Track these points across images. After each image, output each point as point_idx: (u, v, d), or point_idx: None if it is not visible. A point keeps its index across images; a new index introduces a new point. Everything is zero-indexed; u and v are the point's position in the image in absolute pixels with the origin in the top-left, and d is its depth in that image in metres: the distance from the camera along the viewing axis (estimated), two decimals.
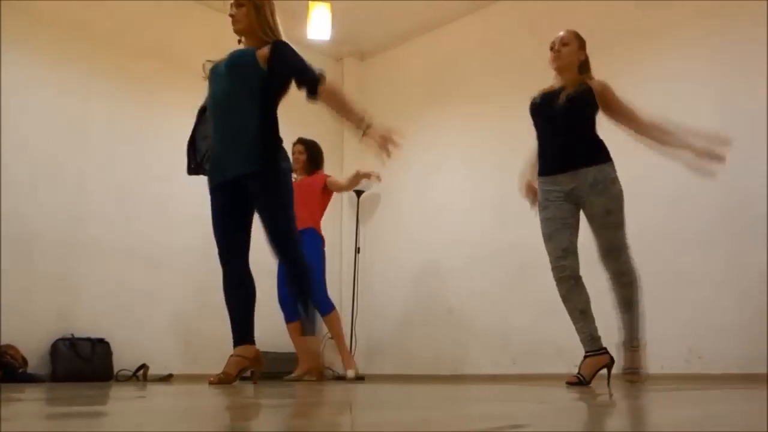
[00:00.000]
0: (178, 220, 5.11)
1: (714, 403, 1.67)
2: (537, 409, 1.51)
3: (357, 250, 6.07)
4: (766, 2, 4.13)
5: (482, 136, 5.61)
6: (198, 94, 5.33)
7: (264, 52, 3.04)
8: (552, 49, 3.32)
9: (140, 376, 4.60)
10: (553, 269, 3.18)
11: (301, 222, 4.51)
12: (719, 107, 4.29)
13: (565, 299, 3.15)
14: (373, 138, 2.87)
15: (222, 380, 2.96)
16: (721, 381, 3.81)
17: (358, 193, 6.08)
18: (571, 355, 4.43)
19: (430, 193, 5.90)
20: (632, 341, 3.17)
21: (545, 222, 3.22)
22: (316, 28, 4.83)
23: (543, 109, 3.29)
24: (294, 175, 4.51)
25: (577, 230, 3.21)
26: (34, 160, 4.50)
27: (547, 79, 5.27)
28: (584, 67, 3.34)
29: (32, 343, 4.26)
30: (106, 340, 4.53)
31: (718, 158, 2.94)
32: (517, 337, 4.96)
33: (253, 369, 3.19)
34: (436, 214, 5.79)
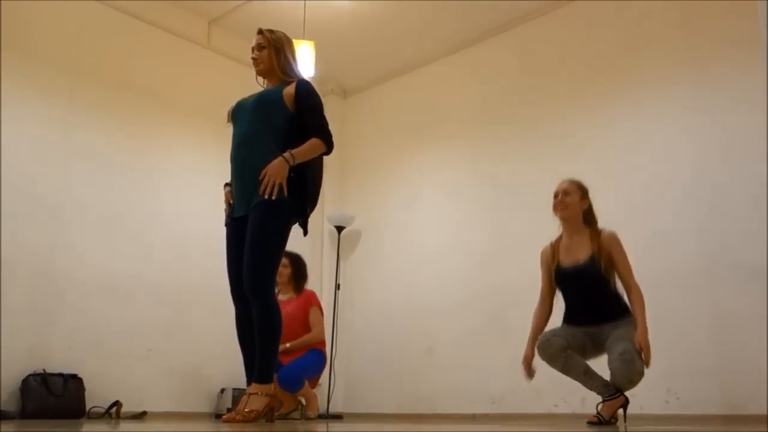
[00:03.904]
0: (155, 256, 5.07)
1: None
2: None
3: (337, 287, 6.04)
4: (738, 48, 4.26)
5: (463, 174, 5.67)
6: (178, 128, 5.40)
7: (290, 91, 3.03)
8: (555, 197, 3.43)
9: (113, 413, 4.50)
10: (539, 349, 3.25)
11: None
12: (695, 146, 4.39)
13: (565, 372, 3.22)
14: None
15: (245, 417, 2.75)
16: (698, 422, 3.82)
17: (339, 229, 6.08)
18: (549, 395, 4.43)
19: (410, 230, 5.92)
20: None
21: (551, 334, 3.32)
22: (300, 66, 4.88)
23: (566, 280, 3.37)
24: (278, 293, 4.17)
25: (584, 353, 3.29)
26: (10, 192, 4.44)
27: (523, 118, 5.38)
28: (589, 215, 3.44)
29: (3, 378, 4.15)
30: (79, 375, 4.43)
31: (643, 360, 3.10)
32: (496, 377, 4.93)
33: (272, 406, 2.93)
34: (417, 251, 5.80)
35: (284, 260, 4.46)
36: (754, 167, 4.07)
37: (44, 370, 4.31)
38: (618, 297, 3.30)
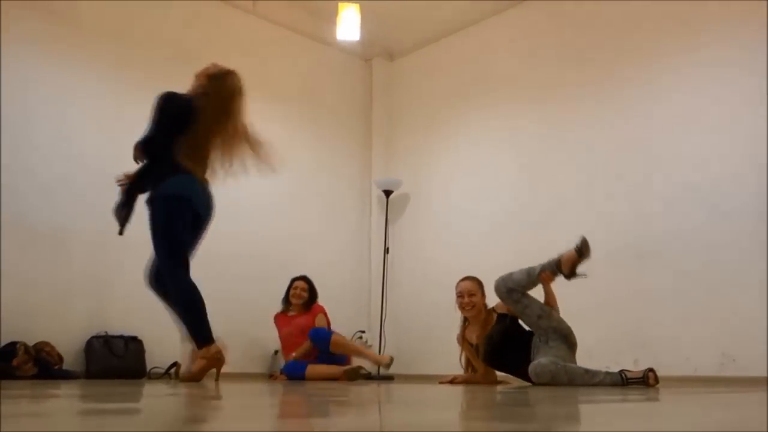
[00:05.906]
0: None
1: (748, 406, 1.65)
2: (573, 410, 1.50)
3: (386, 250, 6.08)
4: None
5: (510, 136, 5.59)
6: None
7: None
8: (461, 297, 3.82)
9: (173, 373, 4.65)
10: None
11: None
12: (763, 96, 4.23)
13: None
14: None
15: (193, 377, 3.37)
16: (755, 384, 3.75)
17: (387, 193, 6.10)
18: (600, 356, 4.40)
19: (458, 193, 5.89)
20: None
21: None
22: (345, 29, 4.85)
23: (497, 353, 3.67)
24: (291, 312, 5.03)
25: None
26: (68, 161, 4.59)
27: (575, 80, 5.24)
28: (485, 306, 3.88)
29: (67, 340, 4.35)
30: (139, 338, 4.60)
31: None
32: None
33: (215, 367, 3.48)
34: (465, 214, 5.77)
35: (303, 284, 5.04)
36: None
37: (106, 332, 4.48)
38: (528, 333, 3.55)
